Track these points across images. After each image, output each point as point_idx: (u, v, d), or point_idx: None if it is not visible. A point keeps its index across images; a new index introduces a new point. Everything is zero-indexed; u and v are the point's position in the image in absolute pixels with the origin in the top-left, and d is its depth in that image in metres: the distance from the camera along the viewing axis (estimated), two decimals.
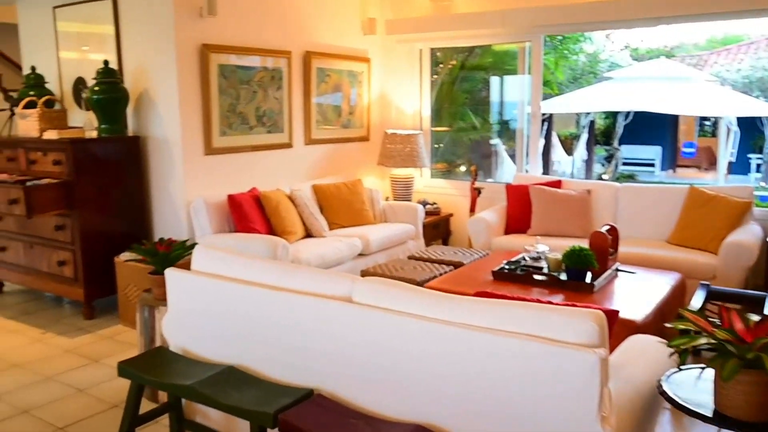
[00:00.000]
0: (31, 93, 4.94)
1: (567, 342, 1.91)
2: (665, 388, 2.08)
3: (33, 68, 5.12)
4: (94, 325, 4.43)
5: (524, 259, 3.99)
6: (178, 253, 3.23)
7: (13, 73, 6.52)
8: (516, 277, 3.75)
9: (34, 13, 5.41)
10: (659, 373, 2.20)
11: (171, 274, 2.87)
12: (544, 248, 4.00)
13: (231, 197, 4.59)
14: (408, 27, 6.17)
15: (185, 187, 4.65)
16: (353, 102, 6.09)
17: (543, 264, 3.88)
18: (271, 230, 4.69)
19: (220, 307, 2.69)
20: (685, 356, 1.97)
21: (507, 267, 3.87)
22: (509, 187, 5.38)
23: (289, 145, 5.44)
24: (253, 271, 2.69)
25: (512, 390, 1.97)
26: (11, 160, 4.78)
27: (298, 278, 2.56)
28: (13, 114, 5.13)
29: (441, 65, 6.64)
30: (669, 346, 2.03)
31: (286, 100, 5.36)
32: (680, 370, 2.16)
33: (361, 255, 4.92)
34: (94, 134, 4.74)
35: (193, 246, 3.51)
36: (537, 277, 3.71)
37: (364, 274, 4.12)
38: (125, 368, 2.63)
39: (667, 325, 2.30)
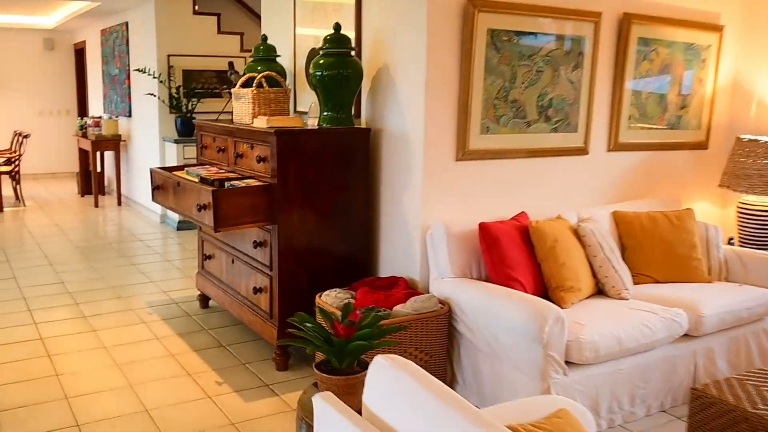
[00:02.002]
0: (259, 68, 4.06)
1: None
2: None
3: (264, 37, 4.25)
4: (284, 382, 3.37)
5: None
6: (360, 346, 1.90)
7: None
8: None
9: None
10: None
11: (319, 403, 1.55)
12: None
13: (484, 227, 3.18)
14: None
15: (423, 205, 3.35)
16: (687, 90, 4.24)
17: None
18: (541, 282, 3.19)
19: None
20: None
21: None
22: None
23: (583, 151, 3.84)
24: None
25: None
26: (221, 150, 3.95)
27: None
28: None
29: None
30: None
31: (586, 84, 3.76)
32: None
33: (686, 336, 3.16)
34: (314, 123, 3.69)
35: (395, 330, 2.18)
36: None
37: (696, 396, 2.39)
38: None
39: None
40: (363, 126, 3.73)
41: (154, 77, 6.80)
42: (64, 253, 5.88)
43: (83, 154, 8.98)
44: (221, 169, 3.93)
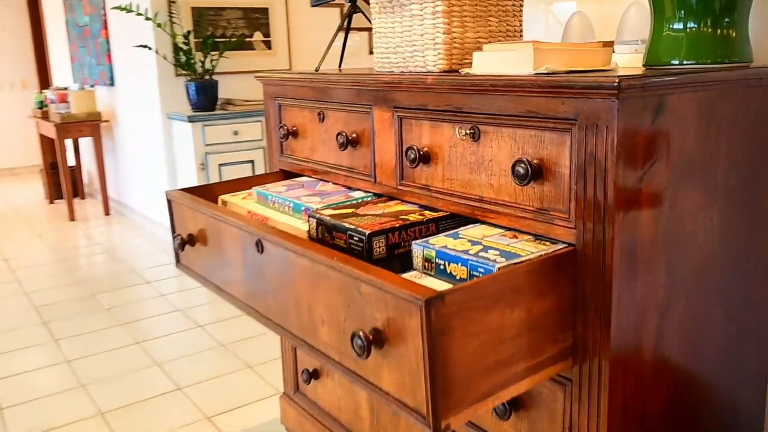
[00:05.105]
0: None
1: None
2: None
3: None
4: None
5: None
6: None
7: None
8: None
9: None
10: None
11: None
12: None
13: None
14: None
15: None
16: None
17: None
18: None
19: None
20: None
21: None
22: None
23: None
24: None
25: None
26: (350, 143, 1.71)
27: None
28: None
29: None
30: None
31: None
32: None
33: None
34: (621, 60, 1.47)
35: None
36: None
37: None
38: None
39: None
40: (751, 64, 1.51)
41: (147, 18, 4.55)
42: (11, 324, 3.68)
43: (47, 142, 6.77)
44: (347, 188, 1.73)
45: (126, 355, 3.21)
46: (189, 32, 4.66)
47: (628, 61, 1.56)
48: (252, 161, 4.79)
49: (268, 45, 5.28)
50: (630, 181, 1.13)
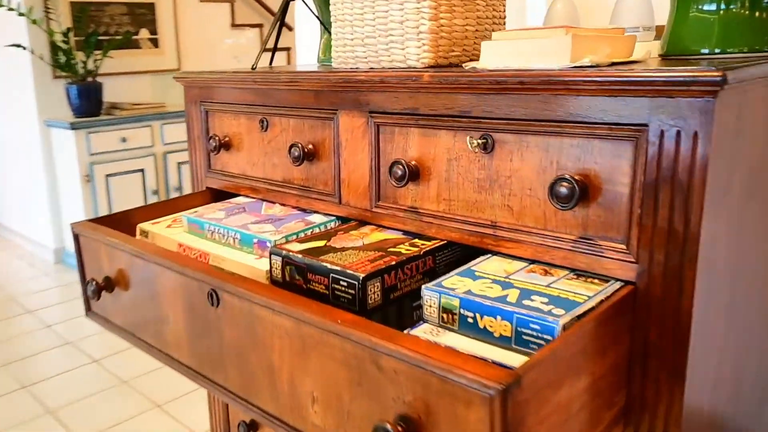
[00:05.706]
0: None
1: None
2: None
3: None
4: None
5: None
6: None
7: None
8: None
9: None
10: None
11: None
12: None
13: None
14: None
15: None
16: None
17: None
18: None
19: None
20: None
21: None
22: None
23: None
24: None
25: None
26: (304, 157, 1.39)
27: None
28: None
29: None
30: None
31: None
32: None
33: None
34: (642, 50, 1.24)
35: None
36: None
37: None
38: None
39: None
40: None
41: (20, 14, 4.00)
42: None
43: None
44: (301, 210, 1.42)
45: (12, 403, 2.73)
46: (69, 29, 4.14)
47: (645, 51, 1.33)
48: (142, 170, 4.34)
49: (155, 43, 4.84)
50: (715, 202, 0.88)
